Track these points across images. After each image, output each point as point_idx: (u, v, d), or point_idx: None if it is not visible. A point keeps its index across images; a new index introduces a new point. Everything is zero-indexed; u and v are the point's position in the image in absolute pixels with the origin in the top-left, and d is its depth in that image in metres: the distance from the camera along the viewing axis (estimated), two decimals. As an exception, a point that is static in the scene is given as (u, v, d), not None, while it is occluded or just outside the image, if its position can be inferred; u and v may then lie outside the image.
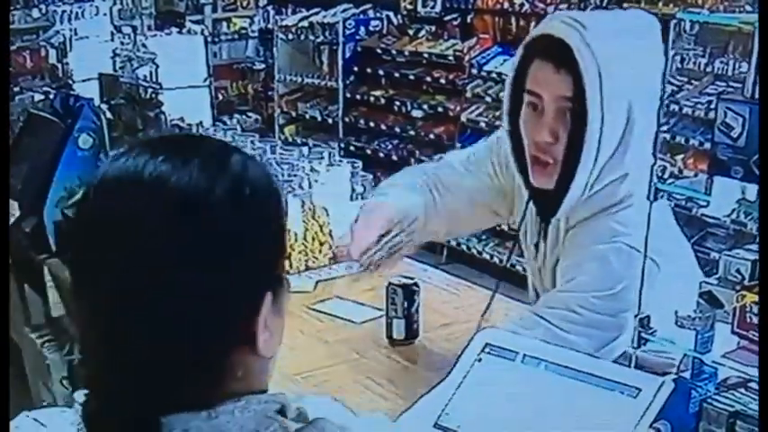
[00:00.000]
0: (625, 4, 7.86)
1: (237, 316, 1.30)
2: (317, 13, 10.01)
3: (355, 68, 9.56)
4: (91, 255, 1.27)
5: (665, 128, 6.34)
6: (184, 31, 9.20)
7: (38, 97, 5.80)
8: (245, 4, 11.28)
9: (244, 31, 11.04)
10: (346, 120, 9.64)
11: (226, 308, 1.28)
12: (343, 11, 9.80)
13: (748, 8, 6.15)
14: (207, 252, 1.25)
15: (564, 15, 2.63)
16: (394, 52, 9.24)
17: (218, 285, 1.26)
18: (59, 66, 7.09)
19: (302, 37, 9.98)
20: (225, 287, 1.27)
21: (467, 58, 8.48)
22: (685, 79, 6.69)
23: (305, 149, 4.47)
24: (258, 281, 1.32)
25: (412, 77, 9.08)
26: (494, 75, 8.23)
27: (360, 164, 4.25)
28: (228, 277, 1.27)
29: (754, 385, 1.85)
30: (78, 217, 1.32)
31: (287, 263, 3.59)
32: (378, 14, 9.69)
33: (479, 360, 2.16)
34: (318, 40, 9.86)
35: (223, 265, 1.26)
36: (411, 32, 9.34)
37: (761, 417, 1.70)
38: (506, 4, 8.52)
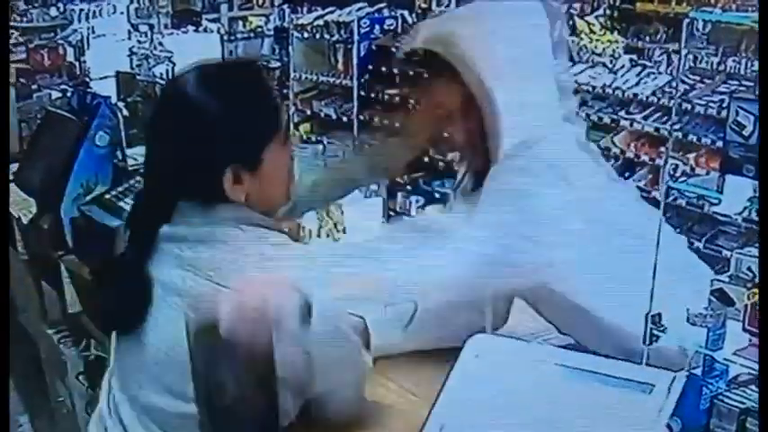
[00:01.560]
0: (638, 4, 7.88)
1: (204, 172, 2.16)
2: (332, 12, 10.01)
3: (370, 67, 9.55)
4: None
5: (677, 126, 6.32)
6: (201, 29, 9.23)
7: (55, 95, 5.82)
8: (260, 2, 11.31)
9: (259, 30, 11.03)
10: (361, 118, 9.65)
11: (196, 166, 2.16)
12: (358, 9, 9.80)
13: (761, 7, 6.13)
14: (187, 133, 2.17)
15: None
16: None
17: (191, 153, 2.16)
18: (77, 64, 7.12)
19: (317, 35, 9.98)
20: (196, 155, 2.16)
21: (481, 56, 8.47)
22: (698, 78, 6.71)
23: (320, 147, 4.50)
24: (217, 156, 2.16)
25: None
26: (508, 73, 8.23)
27: (374, 162, 4.26)
28: (200, 149, 2.15)
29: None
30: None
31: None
32: (392, 13, 9.69)
33: (476, 366, 2.19)
34: (333, 38, 9.87)
35: (198, 141, 2.16)
36: (426, 31, 9.34)
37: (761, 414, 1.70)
38: (521, 3, 8.52)
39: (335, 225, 3.92)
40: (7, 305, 1.64)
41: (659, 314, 1.94)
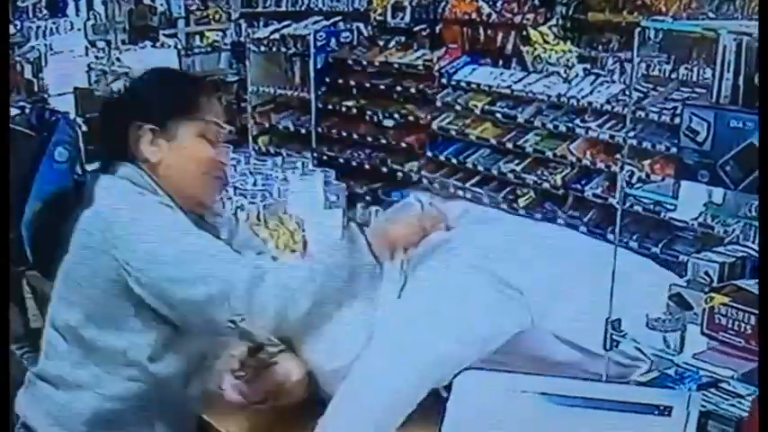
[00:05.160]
0: (590, 13, 7.93)
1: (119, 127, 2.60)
2: (288, 26, 10.02)
3: (327, 79, 9.57)
4: None
5: (632, 134, 6.34)
6: (158, 44, 9.21)
7: (14, 112, 5.79)
8: (217, 17, 11.27)
9: (216, 44, 11.02)
10: (319, 130, 9.65)
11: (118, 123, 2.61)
12: (314, 23, 9.82)
13: (711, 15, 6.18)
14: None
15: None
16: (365, 63, 9.26)
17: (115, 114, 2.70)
18: (35, 80, 7.10)
19: (274, 49, 10.00)
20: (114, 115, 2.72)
21: (436, 67, 8.52)
22: (651, 86, 6.76)
23: (278, 159, 4.51)
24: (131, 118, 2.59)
25: (383, 87, 9.09)
26: (463, 84, 8.30)
27: (332, 173, 4.29)
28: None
29: (725, 386, 1.89)
30: None
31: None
32: (348, 26, 9.71)
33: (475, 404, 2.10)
34: (290, 51, 9.88)
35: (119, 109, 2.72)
36: (381, 43, 9.37)
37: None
38: (474, 15, 8.57)
39: (292, 235, 3.93)
40: (7, 305, 1.63)
41: (618, 320, 1.96)
